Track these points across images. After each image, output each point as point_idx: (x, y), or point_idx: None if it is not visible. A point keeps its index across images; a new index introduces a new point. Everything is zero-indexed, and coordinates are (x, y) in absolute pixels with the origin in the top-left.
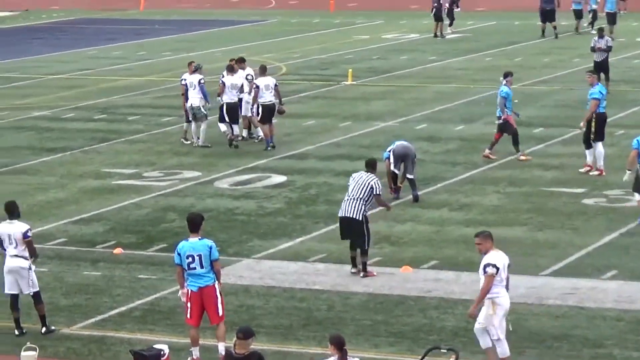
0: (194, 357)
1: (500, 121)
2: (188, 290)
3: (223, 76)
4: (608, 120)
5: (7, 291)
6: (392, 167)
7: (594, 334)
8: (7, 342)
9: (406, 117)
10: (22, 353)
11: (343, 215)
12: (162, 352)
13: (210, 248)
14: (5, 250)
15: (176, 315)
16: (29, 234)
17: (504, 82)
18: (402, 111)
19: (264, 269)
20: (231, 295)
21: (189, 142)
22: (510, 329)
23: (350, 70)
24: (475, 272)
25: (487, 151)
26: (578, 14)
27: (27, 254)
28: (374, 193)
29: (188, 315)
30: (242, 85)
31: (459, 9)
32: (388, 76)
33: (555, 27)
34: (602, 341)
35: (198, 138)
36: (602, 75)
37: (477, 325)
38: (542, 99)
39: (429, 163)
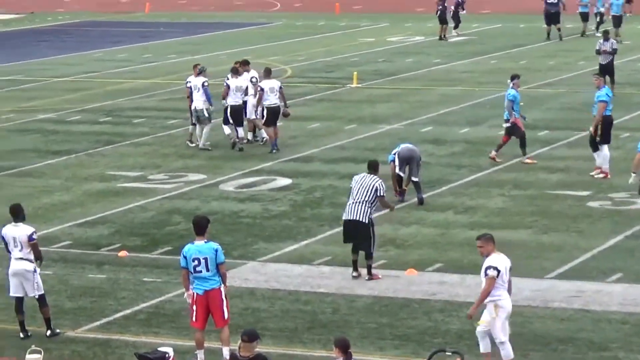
0: (199, 359)
1: (508, 124)
2: (194, 293)
3: (228, 79)
4: (613, 122)
5: (12, 294)
6: (397, 170)
7: (599, 337)
8: (12, 345)
9: (411, 120)
10: (27, 356)
11: (349, 218)
12: (167, 355)
13: (216, 251)
14: (10, 253)
15: (181, 318)
16: (34, 236)
17: (511, 84)
18: (407, 114)
19: (269, 272)
20: (236, 298)
21: (194, 144)
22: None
23: (355, 72)
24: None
25: (493, 153)
26: (584, 17)
27: (32, 256)
28: (379, 195)
29: (193, 318)
30: (246, 88)
31: (464, 11)
32: (393, 79)
33: (559, 30)
34: (608, 344)
35: (192, 141)
36: (607, 78)
37: (479, 328)
38: (547, 101)
39: (434, 166)
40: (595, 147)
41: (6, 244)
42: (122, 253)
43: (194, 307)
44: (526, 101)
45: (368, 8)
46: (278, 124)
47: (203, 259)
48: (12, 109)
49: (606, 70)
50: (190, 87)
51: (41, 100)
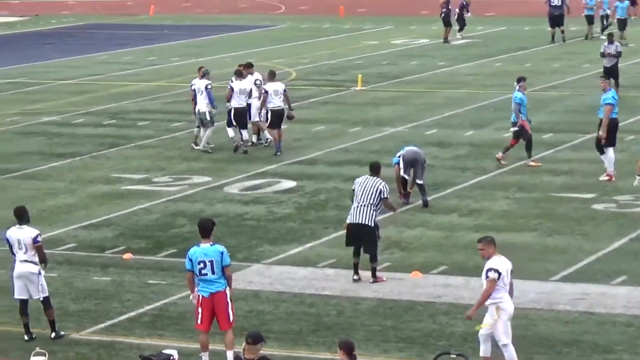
0: None
1: (516, 128)
2: (199, 295)
3: (232, 81)
4: (619, 125)
5: (16, 296)
6: (401, 173)
7: (603, 339)
8: (17, 347)
9: (416, 123)
10: (32, 358)
11: (354, 222)
12: (171, 357)
13: (222, 254)
14: (14, 255)
15: (185, 321)
16: (39, 239)
17: (517, 87)
18: (411, 116)
19: (273, 275)
20: (241, 301)
21: (198, 147)
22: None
23: (359, 75)
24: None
25: (499, 154)
26: (590, 20)
27: (36, 259)
28: (383, 197)
29: (199, 321)
30: (250, 90)
31: (469, 13)
32: (398, 81)
33: (563, 32)
34: (612, 347)
35: (208, 143)
36: (612, 80)
37: (482, 331)
38: (551, 104)
39: (439, 168)
40: (602, 150)
41: (11, 247)
42: (127, 255)
43: (199, 310)
44: (531, 104)
45: (372, 11)
46: (282, 126)
47: (209, 261)
48: (17, 111)
49: (611, 73)
50: (195, 90)
51: (45, 103)
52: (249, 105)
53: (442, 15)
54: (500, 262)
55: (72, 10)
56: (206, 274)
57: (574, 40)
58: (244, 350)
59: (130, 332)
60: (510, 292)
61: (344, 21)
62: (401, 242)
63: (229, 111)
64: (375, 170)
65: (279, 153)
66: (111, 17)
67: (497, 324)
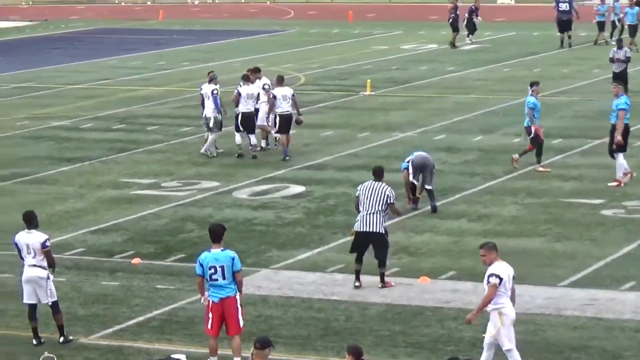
0: None
1: (532, 135)
2: (209, 300)
3: (240, 86)
4: (630, 131)
5: (25, 301)
6: (410, 178)
7: (612, 345)
8: (25, 352)
9: (425, 128)
10: None
11: (363, 230)
12: None
13: (233, 259)
14: (23, 259)
15: (194, 325)
16: (48, 243)
17: (530, 91)
18: (420, 122)
19: (282, 280)
20: (249, 306)
21: (209, 152)
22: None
23: (369, 80)
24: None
25: (516, 156)
26: (601, 26)
27: (45, 263)
28: (389, 202)
29: (208, 326)
30: (258, 95)
31: (479, 18)
32: (407, 86)
33: (569, 37)
34: (621, 352)
35: (216, 147)
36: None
37: (486, 340)
38: (561, 109)
39: (448, 174)
40: (614, 155)
41: (19, 251)
42: (136, 260)
43: (210, 315)
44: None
45: (382, 16)
46: (291, 131)
47: (220, 267)
48: (26, 116)
49: (620, 79)
50: (203, 95)
51: (55, 108)
52: (256, 110)
53: (450, 20)
54: (501, 268)
55: (81, 15)
56: (217, 279)
57: (583, 45)
58: (252, 355)
59: (138, 337)
60: (512, 298)
61: (353, 26)
62: (410, 247)
63: (237, 116)
64: (378, 175)
65: (287, 158)
66: (120, 21)
67: (500, 330)
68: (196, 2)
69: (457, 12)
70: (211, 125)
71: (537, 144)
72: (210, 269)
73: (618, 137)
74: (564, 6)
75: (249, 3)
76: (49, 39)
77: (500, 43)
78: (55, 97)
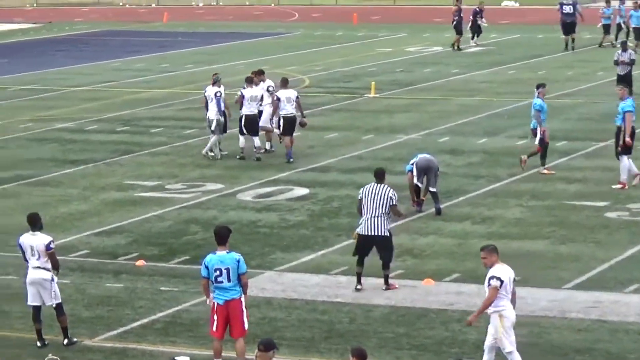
0: None
1: (541, 136)
2: (214, 303)
3: (244, 88)
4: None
5: (29, 303)
6: (415, 180)
7: (616, 347)
8: (30, 354)
9: (429, 130)
10: None
11: (367, 234)
12: None
13: (239, 261)
14: (27, 261)
15: (198, 328)
16: (52, 245)
17: (537, 93)
18: (425, 124)
19: (286, 282)
20: (253, 308)
21: (213, 153)
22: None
23: (373, 82)
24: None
25: (524, 157)
26: (606, 29)
27: (49, 265)
28: (392, 204)
29: (213, 328)
30: (261, 97)
31: (484, 20)
32: (411, 89)
33: (573, 40)
34: (625, 355)
35: (220, 150)
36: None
37: (487, 342)
38: (565, 112)
39: (452, 176)
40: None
41: (24, 253)
42: (140, 262)
43: (214, 317)
44: None
45: (386, 18)
46: (295, 134)
47: (225, 269)
48: (30, 118)
49: (624, 81)
50: (206, 97)
51: (59, 110)
52: (260, 112)
53: (454, 23)
54: (502, 270)
55: (86, 18)
56: (222, 282)
57: (588, 48)
58: (256, 357)
59: (142, 339)
60: (513, 301)
61: (358, 29)
62: (414, 249)
63: (240, 118)
64: (380, 177)
65: (291, 160)
66: (124, 24)
67: (501, 333)
68: (200, 5)
69: (461, 15)
70: (213, 127)
71: (543, 146)
72: (215, 271)
73: (627, 139)
74: (568, 9)
75: (253, 5)
76: (53, 41)
77: (505, 45)
78: (59, 99)
